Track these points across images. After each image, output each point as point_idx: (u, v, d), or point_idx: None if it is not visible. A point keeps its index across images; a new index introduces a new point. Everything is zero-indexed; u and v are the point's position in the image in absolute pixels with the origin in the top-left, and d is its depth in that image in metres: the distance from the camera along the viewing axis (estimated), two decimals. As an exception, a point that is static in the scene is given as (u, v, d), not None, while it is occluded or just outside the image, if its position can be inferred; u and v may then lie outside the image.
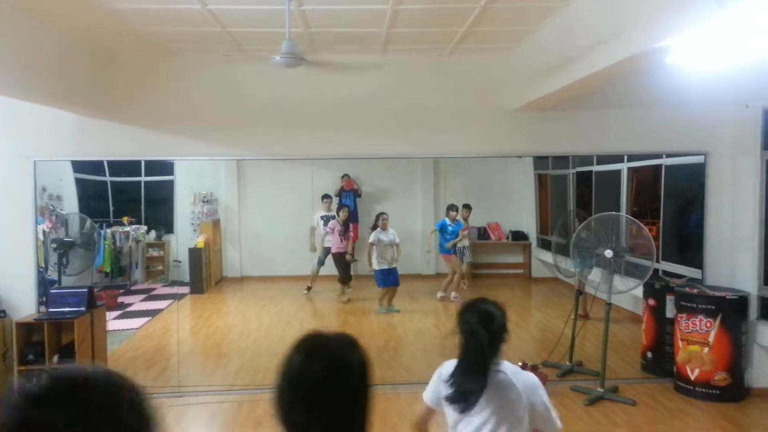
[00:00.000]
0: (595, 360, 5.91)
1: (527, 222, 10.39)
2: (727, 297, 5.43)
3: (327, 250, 9.04)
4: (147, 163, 8.05)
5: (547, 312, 8.66)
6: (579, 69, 4.16)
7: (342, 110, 5.83)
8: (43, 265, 6.21)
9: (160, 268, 9.23)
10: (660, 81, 4.83)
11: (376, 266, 8.29)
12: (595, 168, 8.19)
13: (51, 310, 5.47)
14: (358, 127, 5.86)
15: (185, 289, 8.90)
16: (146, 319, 8.00)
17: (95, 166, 8.12)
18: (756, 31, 2.77)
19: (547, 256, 8.25)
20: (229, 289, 10.06)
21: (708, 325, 5.40)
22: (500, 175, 10.24)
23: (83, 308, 5.48)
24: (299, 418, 1.28)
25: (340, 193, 9.96)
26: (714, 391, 5.40)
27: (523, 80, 5.40)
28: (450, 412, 2.41)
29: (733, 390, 5.42)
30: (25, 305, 5.62)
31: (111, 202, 8.74)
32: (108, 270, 8.35)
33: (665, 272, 6.57)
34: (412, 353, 6.72)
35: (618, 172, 7.43)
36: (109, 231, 8.35)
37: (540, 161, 9.61)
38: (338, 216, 8.92)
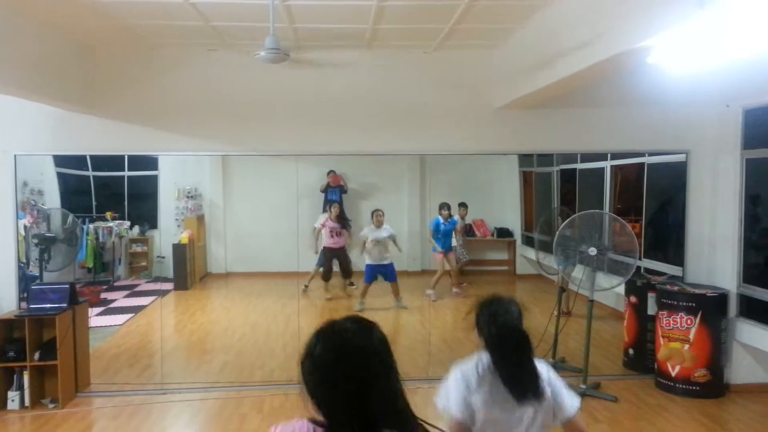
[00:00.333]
0: (577, 357, 5.97)
1: (512, 219, 10.42)
2: (708, 294, 5.51)
3: (327, 250, 9.00)
4: (130, 157, 7.95)
5: (531, 309, 8.66)
6: (562, 68, 4.19)
7: (327, 107, 5.82)
8: (25, 261, 6.14)
9: (144, 264, 9.14)
10: (642, 81, 4.87)
11: (367, 261, 8.40)
12: (579, 166, 8.22)
13: (32, 306, 5.42)
14: (342, 124, 5.85)
15: (169, 286, 8.82)
16: (129, 315, 7.94)
17: (78, 161, 8.02)
18: (736, 31, 2.80)
19: (532, 253, 8.28)
20: (214, 286, 9.99)
21: (689, 322, 5.47)
22: (485, 173, 10.24)
23: (65, 304, 5.43)
24: (323, 394, 1.50)
25: (326, 189, 9.94)
26: (694, 388, 5.47)
27: (507, 78, 5.43)
28: (482, 416, 2.26)
29: (712, 386, 5.49)
30: (6, 301, 5.57)
31: (94, 197, 8.64)
32: (91, 266, 8.25)
33: (647, 270, 6.63)
34: (396, 350, 6.71)
35: (602, 170, 7.46)
36: (91, 226, 8.25)
37: (525, 159, 9.63)
38: (330, 213, 8.93)
